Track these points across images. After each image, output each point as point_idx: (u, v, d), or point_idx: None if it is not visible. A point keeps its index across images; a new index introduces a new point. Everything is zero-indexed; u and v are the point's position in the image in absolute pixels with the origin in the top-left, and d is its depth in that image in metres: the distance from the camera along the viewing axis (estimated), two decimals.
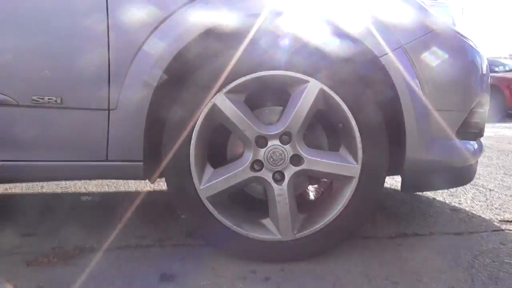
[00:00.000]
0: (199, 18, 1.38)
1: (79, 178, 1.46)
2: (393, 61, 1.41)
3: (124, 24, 1.38)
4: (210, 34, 1.39)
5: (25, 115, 1.41)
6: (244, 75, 1.40)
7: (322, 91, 1.41)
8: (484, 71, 1.61)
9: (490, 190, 2.46)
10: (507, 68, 10.06)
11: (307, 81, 1.40)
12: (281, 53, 1.40)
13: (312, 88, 1.41)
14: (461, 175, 1.65)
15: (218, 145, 1.60)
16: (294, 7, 1.41)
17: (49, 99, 1.40)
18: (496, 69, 10.10)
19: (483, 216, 1.97)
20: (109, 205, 2.22)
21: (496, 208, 2.08)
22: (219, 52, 1.41)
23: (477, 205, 2.14)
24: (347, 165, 1.45)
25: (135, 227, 1.80)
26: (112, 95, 1.39)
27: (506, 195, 2.35)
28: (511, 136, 5.25)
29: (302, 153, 1.44)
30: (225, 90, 1.40)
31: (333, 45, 1.44)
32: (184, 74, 1.43)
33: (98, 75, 1.38)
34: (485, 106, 1.67)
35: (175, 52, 1.38)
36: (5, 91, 1.39)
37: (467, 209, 2.08)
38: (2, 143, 1.43)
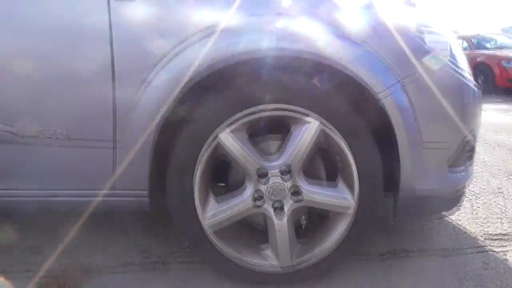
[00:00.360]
0: (206, 54, 1.40)
1: (85, 210, 1.50)
2: (390, 98, 1.46)
3: (130, 58, 1.40)
4: (213, 71, 1.42)
5: (30, 148, 1.44)
6: (249, 113, 1.44)
7: (321, 128, 1.46)
8: (477, 105, 1.67)
9: (476, 195, 2.57)
10: (498, 44, 10.07)
11: (308, 120, 1.46)
12: (282, 90, 1.45)
13: (312, 126, 1.46)
14: (451, 200, 1.74)
15: (220, 169, 1.65)
16: (293, 44, 1.43)
17: (55, 132, 1.44)
18: (487, 45, 10.13)
19: (468, 229, 2.07)
20: (112, 217, 2.28)
21: (481, 221, 2.19)
22: (222, 88, 1.45)
23: (463, 217, 2.24)
24: (344, 198, 1.52)
25: (138, 242, 1.87)
26: (118, 128, 1.43)
27: (491, 202, 2.46)
28: (498, 123, 5.34)
29: (301, 185, 1.51)
30: (228, 129, 1.45)
31: (332, 82, 1.48)
32: (188, 109, 1.46)
33: (104, 109, 1.41)
34: (476, 134, 1.73)
35: (180, 87, 1.41)
36: (11, 124, 1.42)
37: (453, 220, 2.19)
38: (7, 175, 1.47)
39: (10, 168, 1.48)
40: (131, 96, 1.40)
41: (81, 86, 1.40)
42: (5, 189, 1.48)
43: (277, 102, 1.45)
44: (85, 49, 1.39)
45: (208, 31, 1.38)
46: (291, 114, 1.47)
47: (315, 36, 1.42)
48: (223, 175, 1.64)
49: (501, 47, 9.78)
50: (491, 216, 2.25)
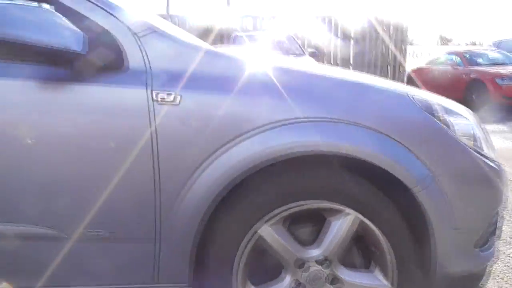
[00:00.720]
0: (249, 154, 1.43)
1: None
2: (424, 190, 1.50)
3: (173, 159, 1.43)
4: (255, 169, 1.45)
5: (73, 245, 1.46)
6: (289, 208, 1.48)
7: (359, 221, 1.51)
8: (503, 185, 1.72)
9: None
10: (491, 59, 10.16)
11: (347, 212, 1.50)
12: (322, 187, 1.49)
13: (350, 218, 1.51)
14: (480, 276, 1.79)
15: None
16: (334, 142, 1.48)
17: (98, 232, 1.46)
18: (480, 60, 10.23)
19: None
20: None
21: (498, 276, 2.24)
22: (263, 185, 1.49)
23: None
24: (382, 286, 1.57)
25: None
26: (162, 226, 1.46)
27: (507, 255, 2.51)
28: (499, 149, 5.33)
29: (339, 274, 1.55)
30: (268, 224, 1.48)
31: (369, 177, 1.53)
32: (229, 205, 1.49)
33: (148, 209, 1.44)
34: (501, 213, 1.79)
35: (225, 183, 1.44)
36: (55, 226, 1.44)
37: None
38: (48, 271, 1.48)
39: (51, 264, 1.49)
40: (175, 195, 1.43)
41: (125, 188, 1.43)
42: (47, 286, 1.50)
43: (317, 199, 1.49)
44: (128, 152, 1.42)
45: (254, 132, 1.42)
46: (330, 206, 1.51)
47: (351, 134, 1.47)
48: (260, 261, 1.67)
49: (494, 63, 9.89)
50: (508, 272, 2.31)
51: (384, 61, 12.73)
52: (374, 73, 11.59)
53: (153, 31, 1.49)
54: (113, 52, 1.44)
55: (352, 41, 12.53)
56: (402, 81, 11.17)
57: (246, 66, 1.53)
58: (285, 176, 1.50)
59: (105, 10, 1.46)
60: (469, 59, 10.19)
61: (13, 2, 1.35)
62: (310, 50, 9.82)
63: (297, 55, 8.43)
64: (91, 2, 1.45)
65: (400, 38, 12.73)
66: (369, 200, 1.51)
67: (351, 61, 12.51)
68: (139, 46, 1.45)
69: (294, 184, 1.50)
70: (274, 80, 1.49)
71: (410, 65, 13.13)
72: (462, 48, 10.84)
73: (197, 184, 1.43)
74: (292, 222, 1.57)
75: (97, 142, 1.42)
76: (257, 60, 1.65)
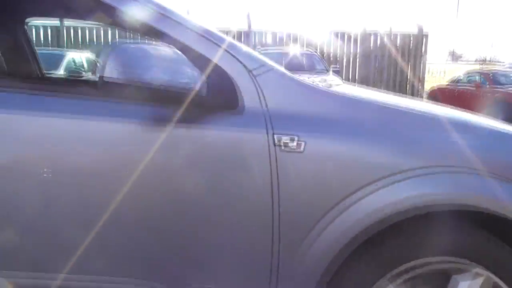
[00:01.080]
0: (383, 203, 1.30)
1: None
2: None
3: (295, 211, 1.30)
4: (382, 223, 1.32)
5: None
6: (413, 267, 1.35)
7: (493, 281, 1.37)
8: None
9: None
10: None
11: (477, 272, 1.37)
12: (454, 243, 1.36)
13: (480, 278, 1.37)
14: None
15: None
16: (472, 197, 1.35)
17: (206, 286, 1.34)
18: (504, 80, 10.09)
19: None
20: None
21: None
22: (386, 240, 1.36)
23: None
24: None
25: None
26: (279, 282, 1.33)
27: None
28: None
29: None
30: (394, 283, 1.35)
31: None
32: (349, 262, 1.36)
33: (262, 261, 1.32)
34: None
35: (349, 238, 1.30)
36: (164, 280, 1.32)
37: None
38: None
39: None
40: (294, 250, 1.31)
41: (240, 241, 1.31)
42: None
43: (445, 255, 1.36)
44: (245, 202, 1.30)
45: (385, 181, 1.29)
46: (458, 266, 1.37)
47: (489, 185, 1.34)
48: None
49: None
50: None
51: (403, 78, 12.65)
52: (394, 90, 11.50)
53: (270, 69, 1.38)
54: (228, 91, 1.33)
55: (372, 57, 12.45)
56: (421, 99, 11.06)
57: (367, 107, 1.42)
58: (412, 229, 1.36)
59: (219, 46, 1.35)
60: (493, 79, 10.08)
61: (134, 42, 1.24)
62: (333, 67, 9.73)
63: (319, 72, 8.30)
64: (207, 38, 1.34)
65: (420, 54, 12.66)
66: (503, 258, 1.38)
67: (371, 78, 12.42)
68: (255, 85, 1.34)
69: (423, 238, 1.36)
70: (401, 123, 1.37)
71: (427, 83, 13.07)
72: (486, 68, 10.66)
73: (319, 240, 1.30)
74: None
75: (212, 190, 1.30)
76: (375, 99, 1.54)
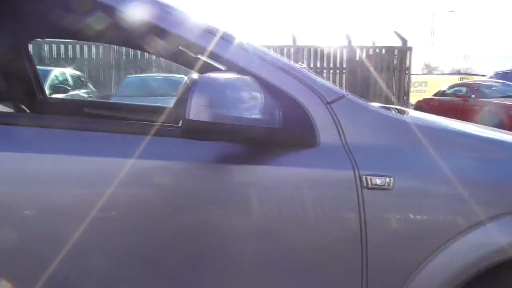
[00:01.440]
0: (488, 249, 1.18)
1: None
2: None
3: (385, 257, 1.18)
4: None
5: None
6: None
7: None
8: None
9: None
10: (502, 91, 10.10)
11: None
12: None
13: None
14: None
15: None
16: None
17: None
18: (490, 92, 10.17)
19: None
20: None
21: None
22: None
23: None
24: None
25: None
26: None
27: None
28: None
29: None
30: None
31: None
32: None
33: None
34: None
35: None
36: None
37: None
38: None
39: None
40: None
41: None
42: None
43: None
44: (330, 248, 1.17)
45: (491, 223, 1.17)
46: None
47: None
48: None
49: (505, 95, 9.80)
50: None
51: (389, 91, 12.72)
52: (381, 102, 11.52)
53: (347, 99, 1.25)
54: (304, 125, 1.20)
55: (358, 71, 12.51)
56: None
57: (451, 136, 1.31)
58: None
59: (294, 77, 1.22)
60: (479, 91, 10.17)
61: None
62: None
63: None
64: (282, 70, 1.22)
65: (405, 68, 12.77)
66: None
67: (358, 92, 12.47)
68: (333, 118, 1.21)
69: None
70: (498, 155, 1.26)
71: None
72: (466, 79, 10.79)
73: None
74: None
75: (293, 234, 1.16)
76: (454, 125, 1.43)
